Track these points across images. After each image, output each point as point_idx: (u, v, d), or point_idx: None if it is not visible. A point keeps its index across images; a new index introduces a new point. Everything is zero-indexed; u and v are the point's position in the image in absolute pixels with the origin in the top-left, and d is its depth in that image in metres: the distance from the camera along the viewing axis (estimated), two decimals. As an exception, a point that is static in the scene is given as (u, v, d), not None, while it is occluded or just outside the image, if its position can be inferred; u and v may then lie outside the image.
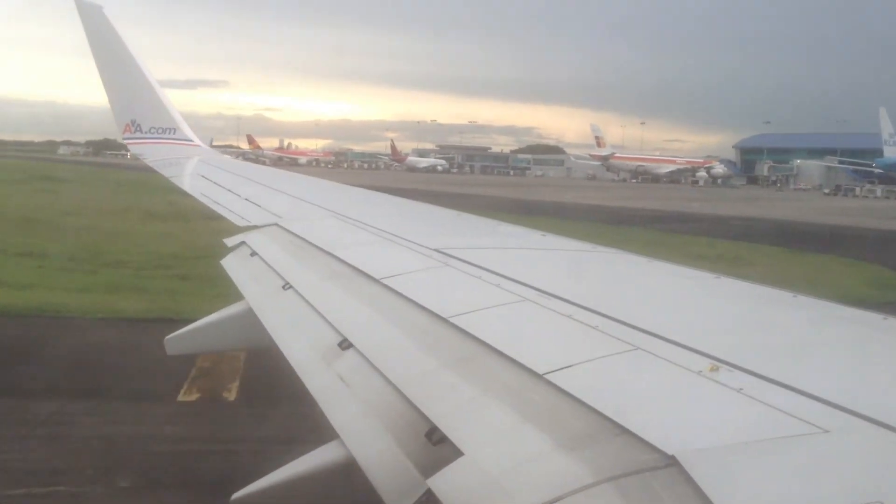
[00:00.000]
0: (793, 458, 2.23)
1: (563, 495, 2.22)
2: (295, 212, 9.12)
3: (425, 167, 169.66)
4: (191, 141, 18.53)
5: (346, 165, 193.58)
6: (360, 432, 3.30)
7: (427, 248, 5.85)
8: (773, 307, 4.46)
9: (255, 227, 8.11)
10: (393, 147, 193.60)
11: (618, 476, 2.25)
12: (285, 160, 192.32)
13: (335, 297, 5.09)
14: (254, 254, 6.89)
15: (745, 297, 4.83)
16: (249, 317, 5.50)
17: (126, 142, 18.20)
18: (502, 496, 2.35)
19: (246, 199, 10.35)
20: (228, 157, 20.99)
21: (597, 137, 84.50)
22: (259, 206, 9.65)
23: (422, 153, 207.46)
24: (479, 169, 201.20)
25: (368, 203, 11.17)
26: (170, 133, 18.20)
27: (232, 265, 6.89)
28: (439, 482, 2.58)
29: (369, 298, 4.78)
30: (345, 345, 4.09)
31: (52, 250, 26.83)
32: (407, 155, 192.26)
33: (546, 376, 3.01)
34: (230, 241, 7.66)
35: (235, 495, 3.57)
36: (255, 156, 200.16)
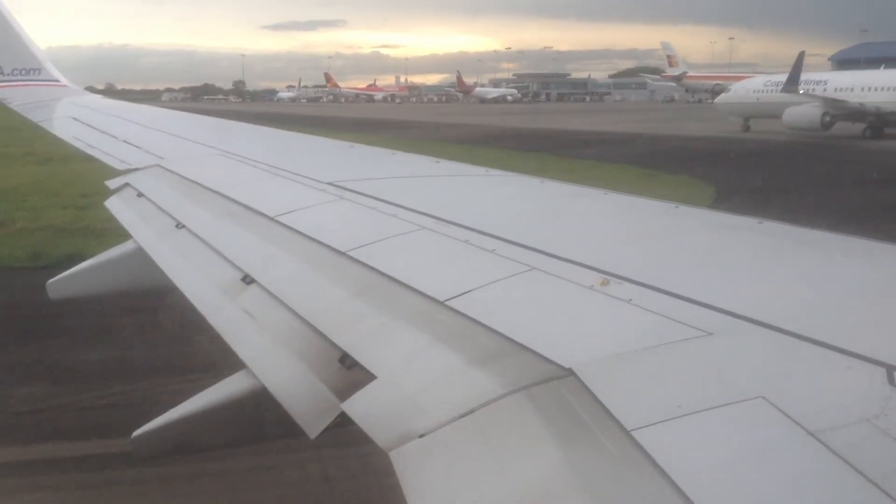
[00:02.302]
0: (680, 361, 2.37)
1: (476, 407, 2.32)
2: (180, 151, 8.81)
3: (494, 97, 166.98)
4: (57, 81, 17.36)
5: (414, 100, 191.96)
6: (270, 361, 3.33)
7: (321, 181, 5.79)
8: (658, 219, 4.59)
9: (137, 169, 7.81)
10: (459, 79, 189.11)
11: (527, 386, 2.34)
12: (362, 98, 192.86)
13: (231, 235, 5.03)
14: (140, 195, 6.72)
15: (633, 210, 4.96)
16: (138, 257, 5.44)
17: None
18: (417, 413, 2.43)
19: (124, 141, 9.86)
20: (98, 96, 19.45)
21: (668, 56, 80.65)
22: (139, 147, 9.25)
23: (496, 83, 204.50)
24: (556, 96, 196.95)
25: (257, 139, 10.83)
26: (34, 74, 16.98)
27: (118, 206, 6.73)
28: (353, 405, 2.65)
29: (266, 236, 4.74)
30: (248, 280, 4.09)
31: None
32: (475, 86, 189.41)
33: (447, 303, 3.08)
34: (112, 184, 7.43)
35: (136, 433, 3.54)
36: (333, 94, 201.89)
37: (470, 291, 3.16)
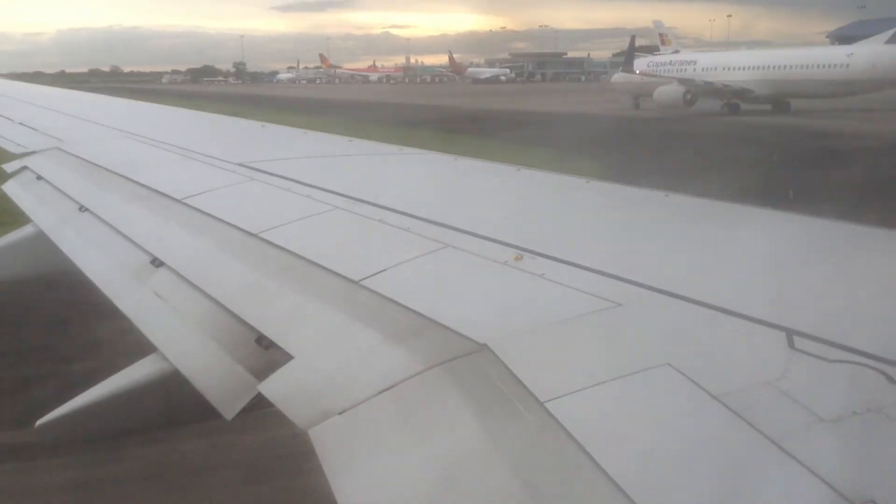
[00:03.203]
0: (590, 333, 2.44)
1: (395, 383, 2.34)
2: (80, 134, 8.53)
3: (487, 77, 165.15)
4: None
5: (407, 80, 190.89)
6: (183, 344, 3.28)
7: (230, 163, 5.67)
8: (570, 194, 4.69)
9: (34, 152, 7.54)
10: (451, 59, 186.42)
11: (444, 361, 2.37)
12: (357, 78, 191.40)
13: (138, 218, 4.90)
14: (40, 178, 6.48)
15: (545, 186, 5.02)
16: (38, 242, 5.27)
17: None
18: (335, 392, 2.43)
19: (20, 124, 9.50)
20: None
21: (660, 35, 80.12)
22: (36, 129, 8.93)
23: (491, 63, 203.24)
24: (551, 76, 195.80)
25: (164, 120, 10.58)
26: None
27: (15, 191, 6.46)
28: (270, 385, 2.62)
29: (175, 218, 4.62)
30: (157, 263, 3.99)
31: None
32: (467, 66, 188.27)
33: (362, 282, 3.08)
34: (9, 167, 7.15)
35: (39, 422, 3.43)
36: (327, 75, 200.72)
37: (384, 270, 3.17)
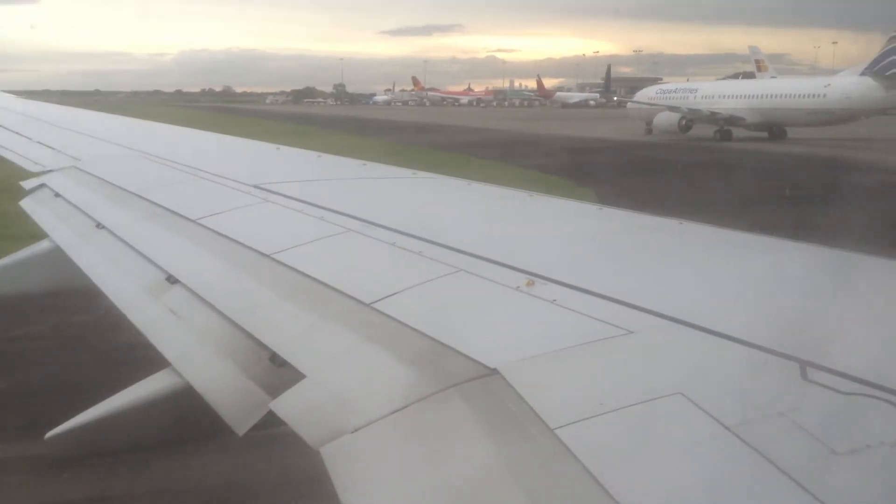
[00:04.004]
0: (601, 359, 2.42)
1: (406, 404, 2.34)
2: (98, 153, 8.63)
3: (576, 102, 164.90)
4: None
5: (495, 104, 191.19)
6: (196, 359, 3.30)
7: (245, 184, 5.70)
8: (583, 220, 4.68)
9: (51, 171, 7.61)
10: (539, 84, 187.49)
11: (455, 384, 2.36)
12: (448, 101, 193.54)
13: (154, 236, 4.97)
14: (57, 195, 6.57)
15: (558, 212, 5.03)
16: (53, 258, 5.35)
17: None
18: (347, 411, 2.44)
19: (39, 142, 9.61)
20: (12, 96, 18.76)
21: (756, 61, 78.12)
22: (54, 148, 9.00)
23: (581, 87, 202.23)
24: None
25: (180, 141, 10.64)
26: None
27: (33, 207, 6.57)
28: (282, 404, 2.64)
29: (190, 238, 4.68)
30: (171, 280, 4.03)
31: None
32: (554, 90, 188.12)
33: (373, 305, 3.08)
34: (28, 185, 7.24)
35: (49, 434, 3.45)
36: (418, 97, 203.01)
37: (396, 293, 3.17)
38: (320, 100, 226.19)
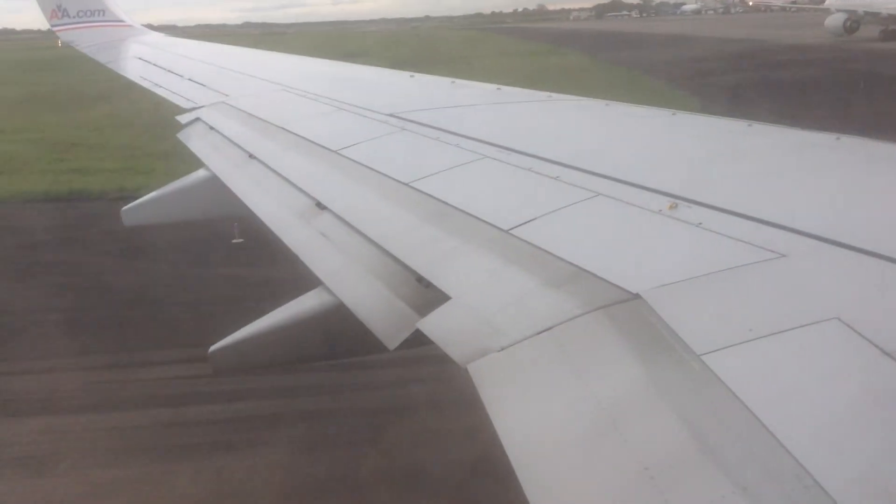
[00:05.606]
0: (751, 285, 2.32)
1: (553, 325, 2.37)
2: (244, 88, 8.93)
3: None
4: (122, 21, 17.48)
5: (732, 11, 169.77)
6: (347, 279, 3.45)
7: (381, 113, 5.80)
8: (728, 138, 4.44)
9: (202, 106, 7.96)
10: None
11: (601, 307, 2.36)
12: (761, 8, 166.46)
13: (300, 166, 5.19)
14: (211, 128, 6.91)
15: (701, 130, 4.78)
16: (210, 186, 5.68)
17: (55, 29, 17.08)
18: (493, 331, 2.49)
19: (189, 79, 10.02)
20: (161, 34, 19.12)
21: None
22: (203, 84, 9.40)
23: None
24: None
25: (318, 73, 10.77)
26: (98, 15, 17.09)
27: (190, 138, 6.93)
28: (429, 324, 2.72)
29: (334, 167, 4.85)
30: (320, 206, 4.22)
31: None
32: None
33: (512, 231, 3.10)
34: (183, 119, 7.64)
35: (213, 348, 3.71)
36: (726, 4, 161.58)
37: (534, 219, 3.15)
38: (624, 13, 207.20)
